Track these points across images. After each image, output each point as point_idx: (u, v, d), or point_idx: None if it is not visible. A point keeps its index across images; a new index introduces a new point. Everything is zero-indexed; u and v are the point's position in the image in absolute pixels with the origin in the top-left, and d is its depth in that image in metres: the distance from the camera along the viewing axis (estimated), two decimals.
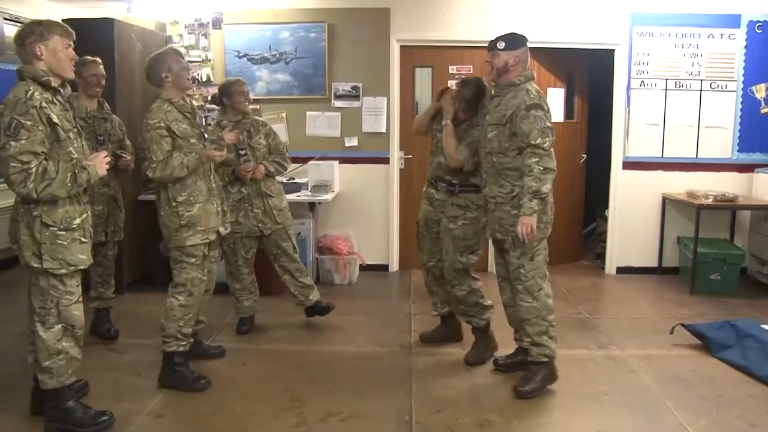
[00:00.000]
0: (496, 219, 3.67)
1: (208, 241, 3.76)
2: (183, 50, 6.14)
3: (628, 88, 6.11)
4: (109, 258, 4.47)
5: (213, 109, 6.21)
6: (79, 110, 4.08)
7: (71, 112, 3.13)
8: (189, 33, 6.26)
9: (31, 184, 2.85)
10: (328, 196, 5.72)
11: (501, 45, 3.59)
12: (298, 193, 5.76)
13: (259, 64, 6.19)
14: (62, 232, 3.01)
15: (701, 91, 6.07)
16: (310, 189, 5.82)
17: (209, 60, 6.25)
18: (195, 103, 6.17)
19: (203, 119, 6.07)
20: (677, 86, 6.08)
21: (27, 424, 3.26)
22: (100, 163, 3.12)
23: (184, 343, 3.75)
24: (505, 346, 4.13)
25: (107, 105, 4.41)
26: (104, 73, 4.33)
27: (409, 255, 6.39)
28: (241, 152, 4.43)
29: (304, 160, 6.09)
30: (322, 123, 6.22)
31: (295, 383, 3.80)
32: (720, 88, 6.06)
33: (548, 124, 3.45)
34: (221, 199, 3.93)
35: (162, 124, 3.59)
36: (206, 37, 6.25)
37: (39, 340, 3.06)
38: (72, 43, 3.10)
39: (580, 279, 6.20)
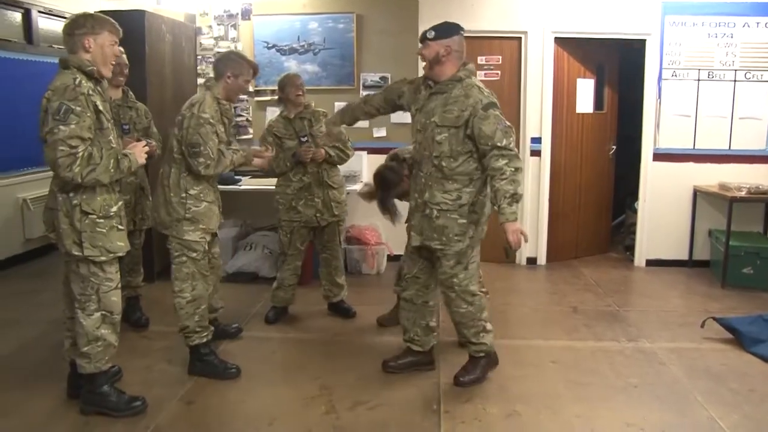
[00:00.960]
0: (438, 227, 3.42)
1: (205, 240, 3.78)
2: (213, 42, 6.22)
3: (660, 78, 6.03)
4: (137, 246, 4.52)
5: (242, 100, 6.27)
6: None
7: (108, 105, 3.20)
8: (218, 24, 6.29)
9: (77, 168, 2.90)
10: (356, 187, 5.73)
11: (431, 34, 3.35)
12: None
13: (287, 54, 6.21)
14: (101, 220, 3.08)
15: (735, 81, 5.96)
16: None
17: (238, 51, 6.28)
18: (241, 97, 6.22)
19: (233, 109, 6.13)
20: (710, 77, 5.98)
21: (63, 407, 3.35)
22: (139, 152, 3.22)
23: (205, 333, 3.80)
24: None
25: (132, 93, 4.44)
26: (127, 62, 4.35)
27: None
28: (302, 139, 4.48)
29: None
30: None
31: (324, 372, 3.83)
32: (755, 79, 5.95)
33: (507, 123, 3.29)
34: (220, 202, 3.94)
35: (213, 121, 3.60)
36: (235, 28, 6.28)
37: (79, 326, 3.14)
38: (118, 40, 3.18)
39: (609, 271, 6.15)
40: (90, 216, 3.05)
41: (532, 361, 4.00)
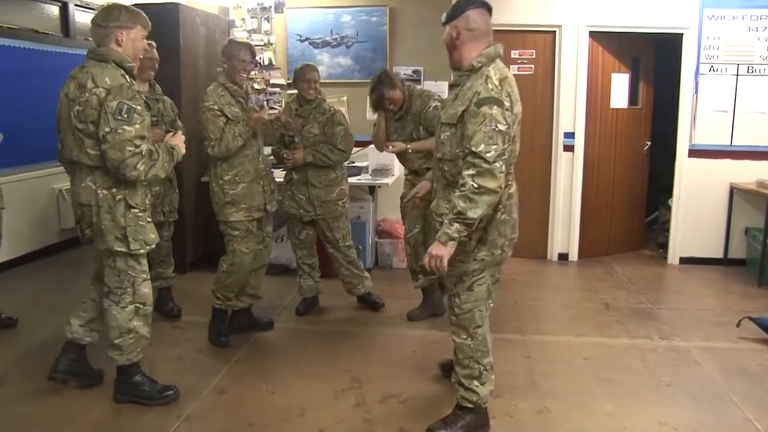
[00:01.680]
0: None
1: (251, 218, 4.06)
2: (246, 35, 6.27)
3: (697, 73, 5.93)
4: (166, 238, 4.56)
5: (274, 93, 6.32)
6: None
7: (159, 106, 3.27)
8: (252, 17, 6.33)
9: (141, 167, 2.95)
10: (388, 180, 5.73)
11: (444, 18, 2.86)
12: (358, 177, 5.78)
13: (320, 47, 6.23)
14: (142, 213, 3.14)
15: None
16: (370, 173, 5.83)
17: (271, 44, 6.32)
18: (257, 86, 6.28)
19: (265, 102, 6.17)
20: (749, 71, 5.87)
21: (97, 394, 3.39)
22: (181, 143, 3.26)
23: (220, 302, 4.14)
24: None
25: (158, 87, 4.47)
26: (158, 57, 4.38)
27: None
28: (288, 138, 4.54)
29: (364, 144, 6.09)
30: None
31: (355, 364, 3.84)
32: None
33: (500, 127, 2.61)
34: (270, 180, 4.22)
35: (216, 107, 3.91)
36: (268, 21, 6.32)
37: (111, 318, 3.19)
38: (146, 35, 3.19)
39: (642, 268, 6.08)
40: (133, 210, 3.10)
41: (563, 357, 3.97)
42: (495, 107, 2.62)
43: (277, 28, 6.31)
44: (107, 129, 2.89)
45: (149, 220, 3.21)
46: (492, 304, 3.07)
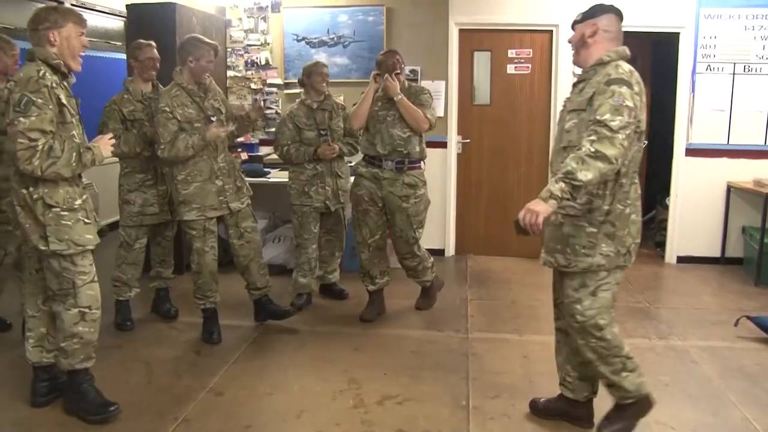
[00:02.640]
0: (562, 236, 2.85)
1: (204, 217, 4.05)
2: (243, 34, 6.26)
3: (694, 72, 5.93)
4: (168, 238, 4.57)
5: (271, 92, 6.31)
6: (135, 93, 4.30)
7: (75, 101, 3.10)
8: (248, 17, 6.32)
9: (36, 161, 2.83)
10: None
11: (578, 17, 2.93)
12: None
13: (317, 47, 6.22)
14: (65, 213, 3.00)
15: None
16: None
17: (268, 44, 6.30)
18: (254, 86, 6.27)
19: (262, 102, 6.16)
20: (746, 70, 5.87)
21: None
22: (104, 145, 3.12)
23: (201, 302, 4.19)
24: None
25: (161, 87, 4.47)
26: (159, 56, 4.37)
27: (465, 240, 6.39)
28: (322, 132, 4.60)
29: None
30: None
31: (353, 365, 3.84)
32: None
33: (627, 103, 2.59)
34: (233, 178, 4.17)
35: (168, 109, 3.91)
36: (265, 21, 6.30)
37: (59, 320, 3.11)
38: (84, 31, 3.09)
39: (640, 267, 6.06)
40: (53, 209, 2.97)
41: None
42: (624, 87, 2.63)
43: (274, 27, 6.30)
44: (7, 121, 2.88)
45: (84, 220, 3.07)
46: (613, 313, 2.91)
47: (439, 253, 6.36)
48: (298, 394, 3.49)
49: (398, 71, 4.29)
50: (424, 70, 6.12)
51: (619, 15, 2.92)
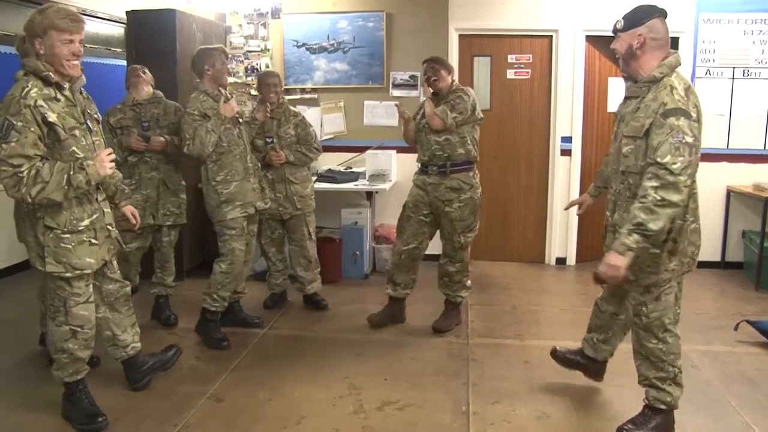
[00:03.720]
0: None
1: (246, 214, 4.19)
2: (243, 41, 6.28)
3: (693, 76, 5.94)
4: (165, 244, 4.56)
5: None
6: (126, 101, 4.40)
7: (80, 107, 2.97)
8: (248, 23, 6.33)
9: (23, 188, 2.71)
10: (386, 186, 5.73)
11: (620, 24, 2.84)
12: (355, 183, 5.79)
13: (317, 53, 6.23)
14: (66, 235, 2.91)
15: None
16: (367, 178, 5.83)
17: (268, 50, 6.32)
18: (254, 92, 6.29)
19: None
20: (745, 75, 5.89)
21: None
22: (101, 162, 2.89)
23: (217, 304, 4.21)
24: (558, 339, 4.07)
25: (158, 92, 4.50)
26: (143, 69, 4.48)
27: None
28: (267, 140, 4.70)
29: (361, 150, 6.11)
30: (380, 112, 6.22)
31: (353, 371, 3.83)
32: None
33: (688, 139, 2.57)
34: (258, 178, 4.37)
35: (196, 112, 4.05)
36: (265, 27, 6.32)
37: (49, 333, 3.11)
38: (74, 36, 2.84)
39: None
40: (54, 230, 2.88)
41: None
42: (682, 118, 2.60)
43: (274, 34, 6.31)
44: None
45: (90, 241, 2.99)
46: (679, 310, 3.02)
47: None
48: (298, 400, 3.48)
49: (434, 78, 4.34)
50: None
51: (664, 15, 2.84)
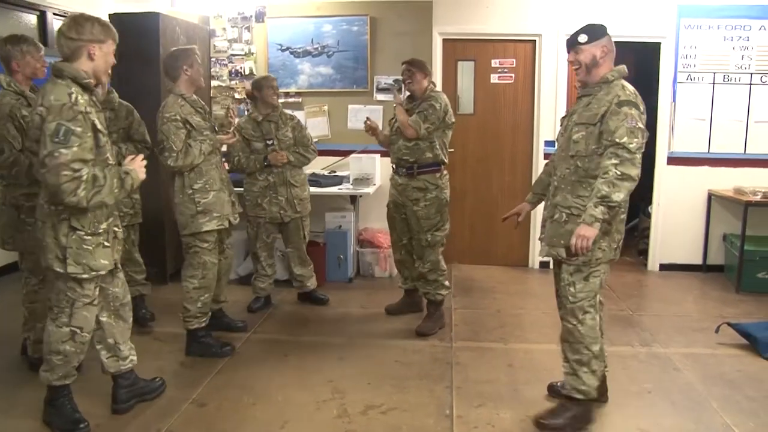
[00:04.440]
0: (565, 233, 3.12)
1: (222, 227, 4.06)
2: (227, 44, 6.27)
3: (675, 82, 6.00)
4: (127, 245, 4.41)
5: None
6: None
7: (104, 114, 3.03)
8: (232, 26, 6.31)
9: (82, 192, 2.76)
10: (370, 190, 5.73)
11: (583, 38, 3.19)
12: (339, 186, 5.77)
13: (301, 57, 6.22)
14: (88, 237, 2.94)
15: (751, 84, 5.91)
16: (351, 182, 5.83)
17: (252, 53, 6.30)
18: (237, 96, 6.27)
19: (245, 111, 6.15)
20: (726, 80, 5.94)
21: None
22: (138, 167, 3.06)
23: (204, 319, 4.12)
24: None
25: (115, 94, 4.30)
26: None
27: (450, 248, 6.36)
28: (268, 142, 4.74)
29: (345, 153, 6.11)
30: (364, 116, 6.10)
31: (337, 375, 3.83)
32: None
33: (639, 125, 2.96)
34: (231, 190, 4.22)
35: (178, 117, 3.87)
36: (249, 31, 6.30)
37: (46, 334, 3.06)
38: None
39: (623, 275, 6.11)
40: (78, 232, 2.91)
41: (545, 365, 3.96)
42: (634, 109, 2.97)
43: (258, 37, 6.30)
44: (45, 152, 2.72)
45: (104, 243, 3.01)
46: (602, 300, 3.23)
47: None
48: (281, 404, 3.47)
49: (409, 81, 4.48)
50: None
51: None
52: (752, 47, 5.88)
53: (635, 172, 2.91)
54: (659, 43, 5.99)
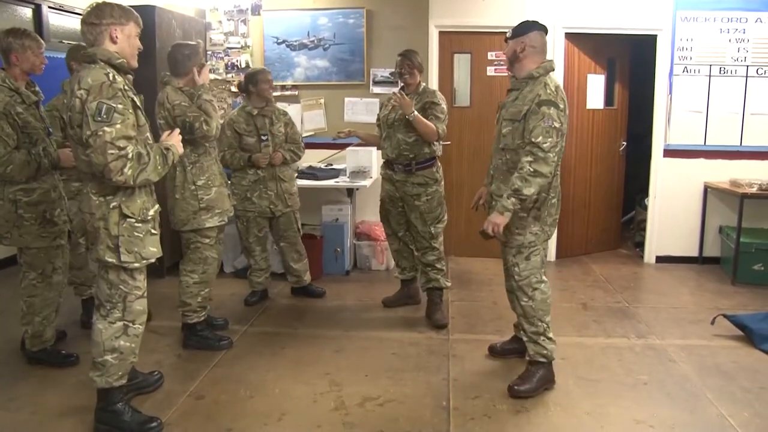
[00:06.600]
0: None
1: (223, 223, 4.09)
2: (223, 37, 6.26)
3: (671, 74, 6.00)
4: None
5: None
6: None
7: (139, 98, 2.99)
8: (228, 19, 6.30)
9: (128, 171, 2.74)
10: (366, 183, 5.72)
11: (508, 34, 3.43)
12: (336, 179, 5.77)
13: (297, 50, 6.22)
14: (139, 224, 2.93)
15: (747, 77, 5.92)
16: (348, 175, 5.81)
17: (248, 46, 6.29)
18: (234, 89, 6.27)
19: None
20: (722, 72, 5.95)
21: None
22: (177, 142, 3.09)
23: (203, 313, 4.15)
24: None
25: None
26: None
27: (446, 241, 6.38)
28: (262, 138, 4.71)
29: (342, 147, 6.11)
30: (360, 109, 6.22)
31: (333, 367, 3.84)
32: (767, 74, 5.92)
33: (555, 125, 3.20)
34: (227, 184, 4.23)
35: (185, 103, 3.87)
36: (245, 24, 6.29)
37: (96, 334, 2.98)
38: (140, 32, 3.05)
39: (619, 267, 6.14)
40: (129, 219, 2.89)
41: None
42: (552, 108, 3.21)
43: (254, 30, 6.29)
44: (88, 132, 2.69)
45: (153, 231, 3.01)
46: (545, 272, 3.58)
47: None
48: (278, 396, 3.48)
49: (407, 74, 4.47)
50: None
51: (544, 30, 3.43)
52: (748, 39, 5.88)
53: (547, 169, 3.21)
54: (655, 36, 5.99)
